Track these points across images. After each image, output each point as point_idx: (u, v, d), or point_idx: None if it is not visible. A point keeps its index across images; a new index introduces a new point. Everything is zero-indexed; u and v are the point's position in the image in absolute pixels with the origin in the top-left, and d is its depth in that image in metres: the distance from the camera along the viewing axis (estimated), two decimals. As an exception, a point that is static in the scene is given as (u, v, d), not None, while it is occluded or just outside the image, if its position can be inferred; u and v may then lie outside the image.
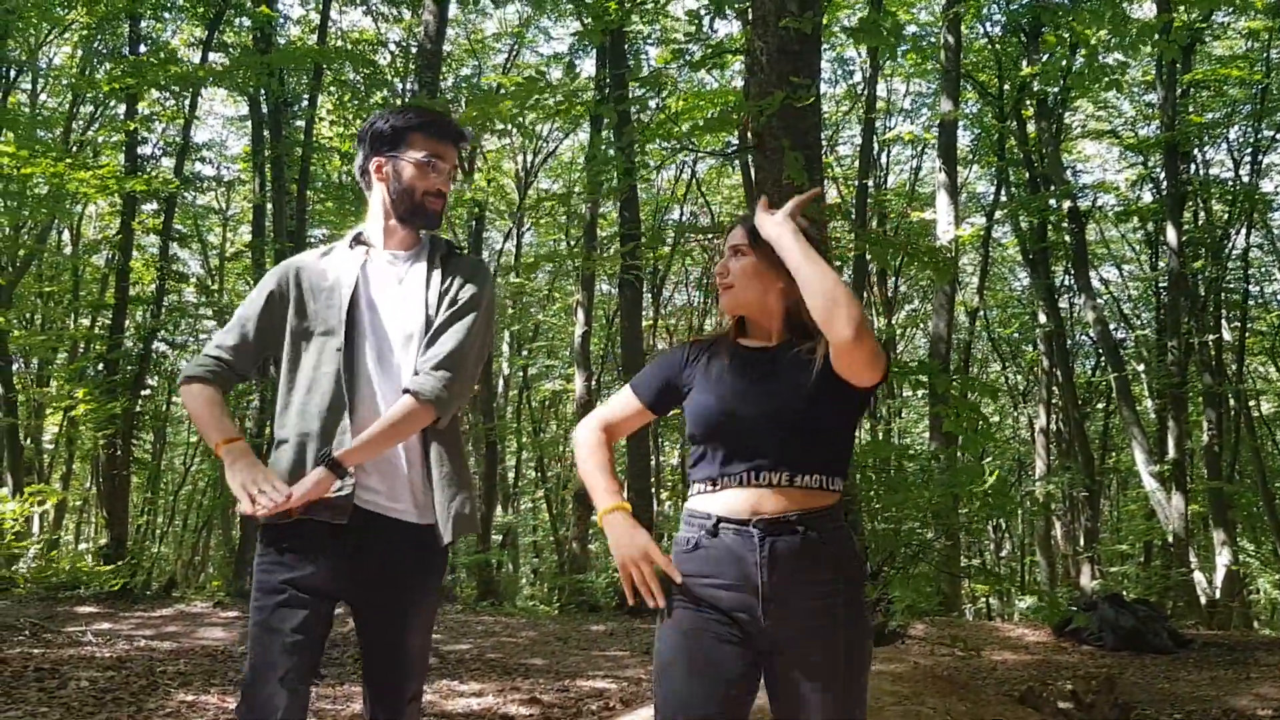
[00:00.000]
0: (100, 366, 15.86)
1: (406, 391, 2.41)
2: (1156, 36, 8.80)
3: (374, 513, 2.44)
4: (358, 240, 2.62)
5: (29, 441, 18.93)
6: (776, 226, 2.20)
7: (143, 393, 15.61)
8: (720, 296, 2.35)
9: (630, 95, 11.56)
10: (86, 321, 19.14)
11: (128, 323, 16.90)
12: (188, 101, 16.71)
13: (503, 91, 11.09)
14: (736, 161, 17.36)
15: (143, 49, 14.54)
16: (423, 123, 2.56)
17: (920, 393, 21.23)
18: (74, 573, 12.27)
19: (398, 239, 2.59)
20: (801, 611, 2.13)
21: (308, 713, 2.46)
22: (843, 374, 2.16)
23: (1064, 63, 14.09)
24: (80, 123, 18.46)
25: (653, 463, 18.18)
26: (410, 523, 2.47)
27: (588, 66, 17.74)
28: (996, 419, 24.02)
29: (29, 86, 18.31)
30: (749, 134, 6.44)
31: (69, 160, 13.47)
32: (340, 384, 2.44)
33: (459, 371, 2.46)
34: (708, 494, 2.21)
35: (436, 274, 2.54)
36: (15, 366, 18.78)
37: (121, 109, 16.44)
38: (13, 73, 16.67)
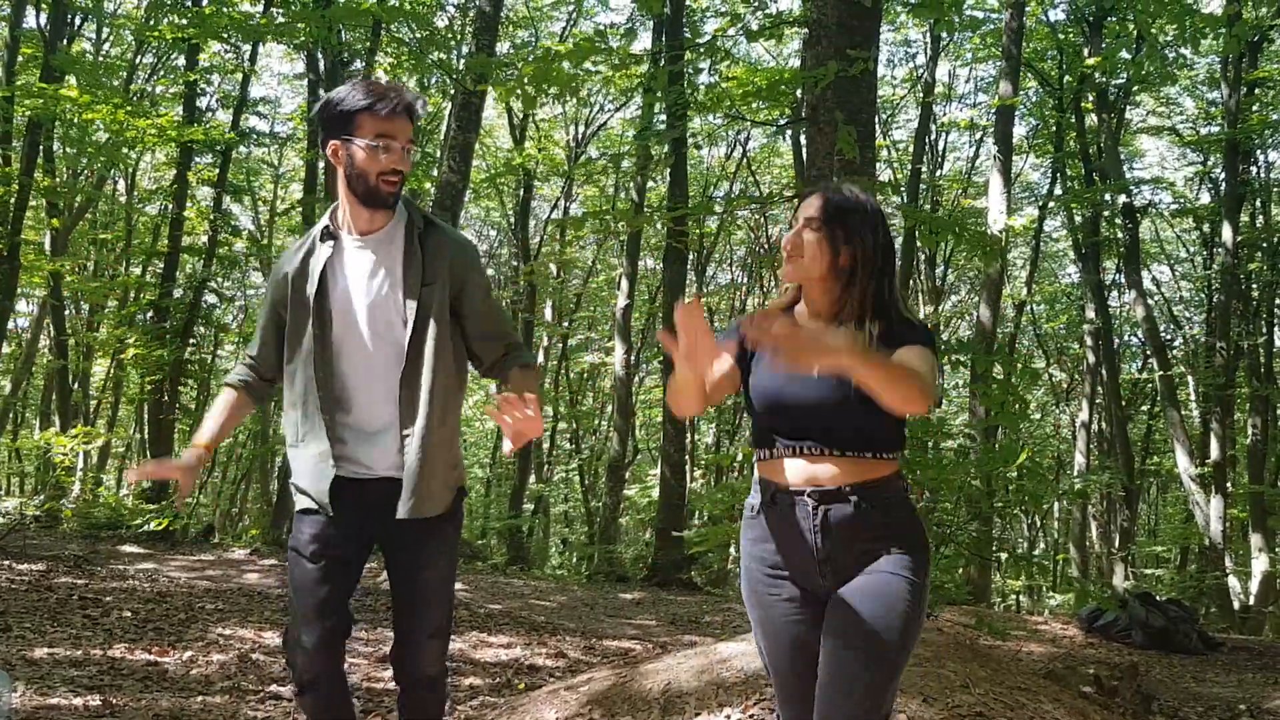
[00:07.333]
0: (150, 314, 16.12)
1: (524, 366, 2.65)
2: (1221, 30, 8.66)
3: (382, 478, 2.60)
4: (326, 232, 2.64)
5: (76, 385, 19.30)
6: (835, 351, 1.92)
7: (190, 342, 15.85)
8: (785, 264, 2.36)
9: (685, 63, 11.54)
10: (138, 270, 19.43)
11: (179, 272, 17.15)
12: (247, 55, 16.87)
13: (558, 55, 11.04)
14: (788, 140, 17.29)
15: (205, 1, 14.68)
16: (369, 103, 2.49)
17: (960, 382, 21.11)
18: (117, 510, 12.51)
19: (364, 219, 2.60)
20: (854, 568, 2.20)
21: (346, 637, 2.62)
22: None
23: (1127, 54, 13.85)
24: (142, 73, 18.71)
25: (688, 440, 18.19)
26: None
27: (645, 40, 17.67)
28: (1038, 416, 23.79)
29: (94, 35, 18.57)
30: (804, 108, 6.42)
31: (129, 108, 13.66)
32: (316, 390, 2.58)
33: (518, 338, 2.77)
34: (766, 461, 2.30)
35: (417, 255, 2.58)
36: (67, 311, 19.14)
37: (182, 61, 16.63)
38: (78, 20, 16.88)
